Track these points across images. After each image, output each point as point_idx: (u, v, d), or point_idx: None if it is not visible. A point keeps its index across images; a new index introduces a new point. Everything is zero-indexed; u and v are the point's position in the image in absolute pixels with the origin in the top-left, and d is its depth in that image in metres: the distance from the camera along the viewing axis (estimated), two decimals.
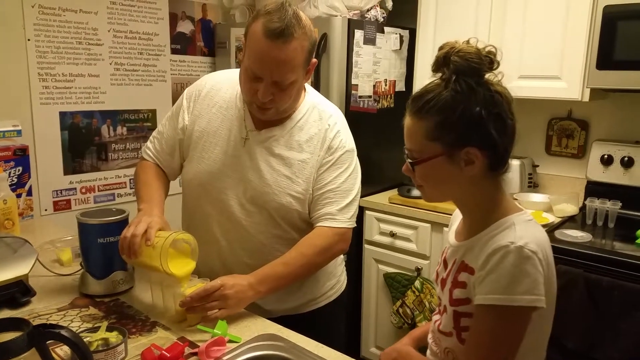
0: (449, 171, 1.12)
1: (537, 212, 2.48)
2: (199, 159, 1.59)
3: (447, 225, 1.60)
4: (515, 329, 1.07)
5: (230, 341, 1.29)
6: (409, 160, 1.16)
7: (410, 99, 1.15)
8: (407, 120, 1.15)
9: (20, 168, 2.19)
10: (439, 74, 1.13)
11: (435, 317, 1.29)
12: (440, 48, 1.12)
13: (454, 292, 1.17)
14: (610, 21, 2.23)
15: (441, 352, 1.24)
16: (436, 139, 1.10)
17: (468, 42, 1.11)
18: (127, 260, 1.44)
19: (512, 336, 1.07)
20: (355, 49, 2.69)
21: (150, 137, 1.72)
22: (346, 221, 1.55)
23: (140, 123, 2.94)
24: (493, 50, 1.10)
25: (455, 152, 1.10)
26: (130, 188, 2.92)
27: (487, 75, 1.11)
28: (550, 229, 2.32)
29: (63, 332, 0.88)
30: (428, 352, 1.31)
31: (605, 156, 2.60)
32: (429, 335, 1.32)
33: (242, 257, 1.58)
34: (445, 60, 1.10)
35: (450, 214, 1.38)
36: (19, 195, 2.17)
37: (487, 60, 1.09)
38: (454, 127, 1.08)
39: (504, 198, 1.17)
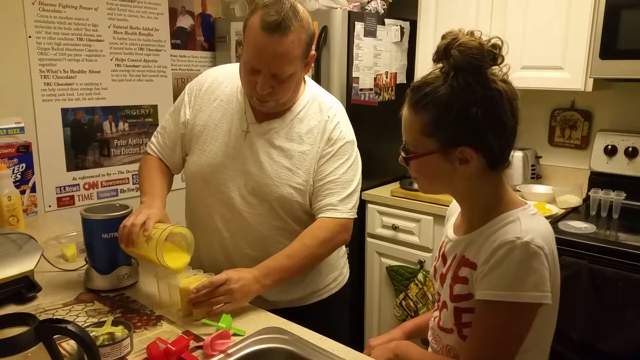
0: (443, 168, 1.09)
1: (541, 204, 2.48)
2: (200, 152, 1.60)
3: None
4: (520, 325, 1.05)
5: (234, 334, 1.29)
6: (403, 155, 1.14)
7: (410, 89, 1.12)
8: (405, 111, 1.12)
9: (24, 165, 2.20)
10: (440, 65, 1.08)
11: (435, 314, 1.27)
12: (443, 37, 1.07)
13: (455, 288, 1.14)
14: (614, 9, 2.20)
15: (442, 350, 1.22)
16: (431, 135, 1.07)
17: (472, 33, 1.05)
18: (124, 249, 1.46)
19: (516, 332, 1.05)
20: (355, 41, 2.68)
21: (155, 132, 1.75)
22: (347, 212, 1.56)
23: (142, 119, 2.94)
24: (498, 43, 1.05)
25: (449, 150, 1.07)
26: (133, 184, 2.92)
27: (492, 68, 1.05)
28: (554, 221, 2.32)
29: (69, 326, 0.88)
30: (429, 349, 1.30)
31: (609, 146, 2.58)
32: (429, 333, 1.31)
33: (244, 248, 1.59)
34: (445, 52, 1.05)
35: None
36: (23, 192, 2.17)
37: (489, 56, 1.03)
38: (449, 125, 1.05)
39: (506, 192, 1.14)
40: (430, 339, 1.29)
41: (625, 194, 2.39)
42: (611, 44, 2.23)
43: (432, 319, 1.28)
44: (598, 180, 2.61)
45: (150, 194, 1.58)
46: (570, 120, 2.82)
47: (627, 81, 2.52)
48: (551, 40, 2.46)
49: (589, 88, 2.39)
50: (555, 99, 2.84)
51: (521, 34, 2.53)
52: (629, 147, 2.53)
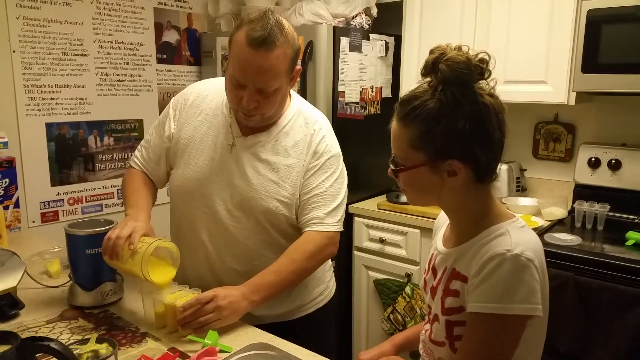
0: (432, 180, 1.10)
1: (526, 216, 2.49)
2: (185, 165, 1.59)
3: None
4: (510, 337, 1.05)
5: (221, 351, 1.28)
6: (392, 167, 1.15)
7: (398, 102, 1.13)
8: (394, 125, 1.13)
9: (7, 180, 2.18)
10: (428, 79, 1.09)
11: (426, 327, 1.27)
12: (431, 52, 1.08)
13: (446, 301, 1.14)
14: (594, 25, 2.25)
15: None
16: (420, 149, 1.08)
17: (460, 48, 1.07)
18: (108, 262, 1.44)
19: (506, 345, 1.05)
20: (341, 56, 2.70)
21: (138, 146, 1.74)
22: (334, 225, 1.56)
23: (127, 133, 2.93)
24: (485, 58, 1.06)
25: (438, 163, 1.08)
26: (118, 198, 2.90)
27: (479, 82, 1.07)
28: (540, 233, 2.33)
29: (52, 344, 0.87)
30: None
31: (593, 159, 2.61)
32: (420, 346, 1.30)
33: (229, 262, 1.59)
34: (434, 67, 1.06)
35: None
36: (6, 208, 2.15)
37: (477, 71, 1.05)
38: (437, 139, 1.06)
39: (494, 205, 1.15)
40: (421, 352, 1.29)
41: (609, 206, 2.41)
42: (592, 58, 2.27)
43: (424, 332, 1.28)
44: (582, 192, 2.63)
45: (135, 206, 1.57)
46: (554, 133, 2.85)
47: (609, 95, 2.56)
48: (534, 55, 2.50)
49: (572, 101, 2.43)
50: (539, 113, 2.87)
51: (504, 48, 2.56)
52: (611, 159, 2.56)
